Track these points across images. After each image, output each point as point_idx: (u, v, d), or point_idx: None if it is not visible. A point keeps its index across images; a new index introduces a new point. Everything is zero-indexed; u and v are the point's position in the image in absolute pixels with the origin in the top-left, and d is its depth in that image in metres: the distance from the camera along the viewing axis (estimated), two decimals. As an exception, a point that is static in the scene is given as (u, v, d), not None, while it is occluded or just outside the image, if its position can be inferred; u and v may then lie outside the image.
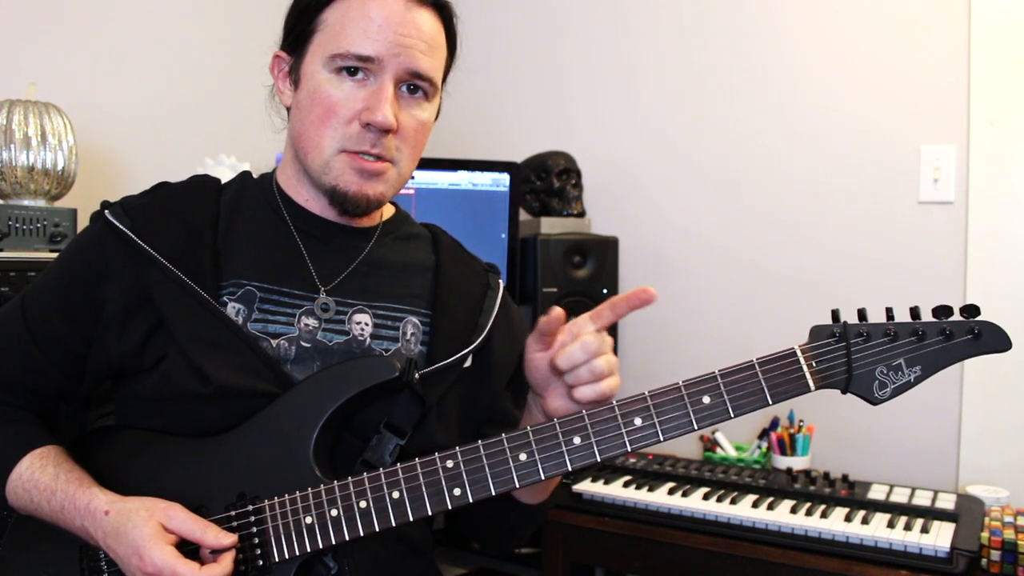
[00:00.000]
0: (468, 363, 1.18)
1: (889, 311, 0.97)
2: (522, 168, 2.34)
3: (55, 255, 1.26)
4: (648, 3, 2.44)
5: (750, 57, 2.28)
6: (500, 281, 1.28)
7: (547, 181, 2.34)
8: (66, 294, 1.12)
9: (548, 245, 2.17)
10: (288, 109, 1.18)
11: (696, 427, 0.97)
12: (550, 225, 2.24)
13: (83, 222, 1.57)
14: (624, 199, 2.46)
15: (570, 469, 0.98)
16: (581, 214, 2.35)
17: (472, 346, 1.17)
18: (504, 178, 2.21)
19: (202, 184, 1.20)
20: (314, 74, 1.10)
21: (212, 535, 0.99)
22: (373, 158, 1.10)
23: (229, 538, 0.99)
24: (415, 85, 1.11)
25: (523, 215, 2.33)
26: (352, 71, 1.08)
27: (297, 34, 1.12)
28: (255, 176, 1.25)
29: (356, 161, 1.09)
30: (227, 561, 0.98)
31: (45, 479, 1.06)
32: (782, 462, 2.01)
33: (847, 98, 2.15)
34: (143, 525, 0.97)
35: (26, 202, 1.70)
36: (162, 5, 2.22)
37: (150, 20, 2.19)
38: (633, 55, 2.47)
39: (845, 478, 1.85)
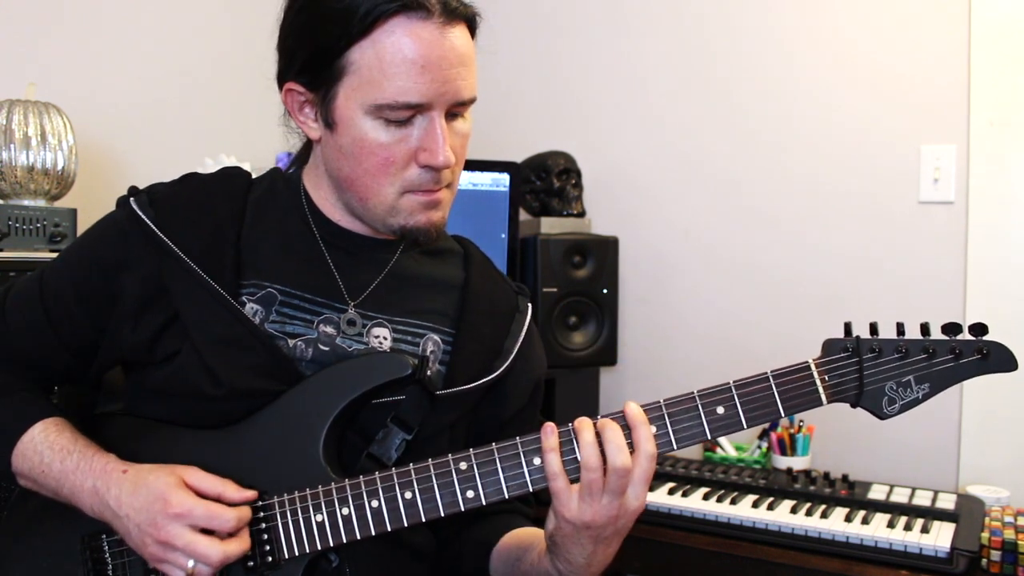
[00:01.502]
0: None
1: (900, 326, 0.98)
2: (522, 168, 2.34)
3: (55, 255, 1.25)
4: (648, 3, 2.43)
5: (750, 57, 2.28)
6: (528, 304, 1.27)
7: (547, 181, 2.34)
8: (84, 279, 1.12)
9: (548, 245, 2.17)
10: (315, 139, 1.13)
11: (709, 436, 0.98)
12: (550, 225, 2.24)
13: (83, 222, 1.57)
14: (624, 199, 2.46)
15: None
16: (581, 214, 2.35)
17: (496, 373, 1.16)
18: (504, 178, 2.20)
19: (232, 178, 1.18)
20: (356, 121, 1.04)
21: (232, 488, 1.00)
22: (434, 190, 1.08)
23: (250, 492, 1.00)
24: (460, 109, 1.08)
25: (523, 215, 2.32)
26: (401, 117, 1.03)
27: (318, 72, 1.05)
28: (280, 172, 1.24)
29: (422, 196, 1.07)
30: (248, 509, 1.00)
31: (62, 441, 1.06)
32: (782, 462, 2.01)
33: (847, 98, 2.15)
34: (167, 476, 0.98)
35: (26, 202, 1.69)
36: (162, 5, 2.21)
37: (150, 20, 2.18)
38: (633, 55, 2.47)
39: (845, 478, 1.85)
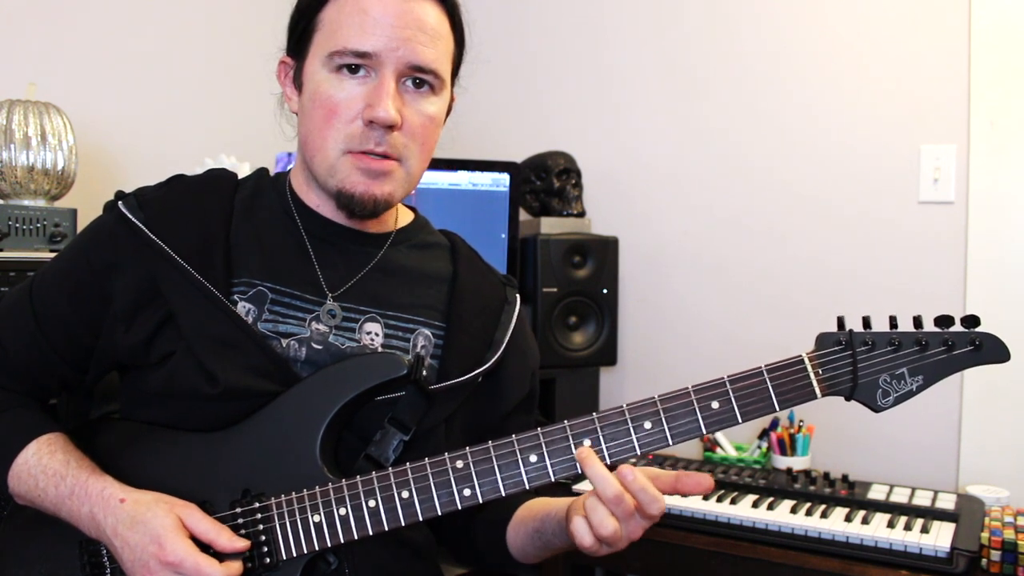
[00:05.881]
0: (479, 379, 1.17)
1: (893, 319, 0.98)
2: (522, 168, 2.34)
3: (55, 255, 1.25)
4: (649, 4, 2.44)
5: (750, 57, 2.28)
6: (516, 295, 1.27)
7: (547, 181, 2.34)
8: (76, 284, 1.12)
9: (548, 245, 2.17)
10: (297, 114, 1.16)
11: (705, 431, 0.98)
12: (550, 225, 2.24)
13: (83, 222, 1.57)
14: (624, 199, 2.46)
15: (580, 471, 0.98)
16: (581, 214, 2.35)
17: (487, 365, 1.16)
18: (504, 178, 2.21)
19: (218, 179, 1.18)
20: (314, 75, 1.08)
21: (226, 537, 0.99)
22: (379, 156, 1.08)
23: (242, 542, 0.99)
24: (420, 79, 1.08)
25: (523, 215, 2.32)
26: (353, 69, 1.06)
27: (298, 36, 1.11)
28: (271, 173, 1.24)
29: (361, 161, 1.07)
30: (238, 564, 0.98)
31: (55, 464, 1.05)
32: (782, 462, 2.01)
33: (847, 98, 2.15)
34: (164, 516, 0.97)
35: (26, 202, 1.69)
36: (162, 5, 2.22)
37: (150, 20, 2.19)
38: (634, 55, 2.47)
39: (845, 478, 1.85)
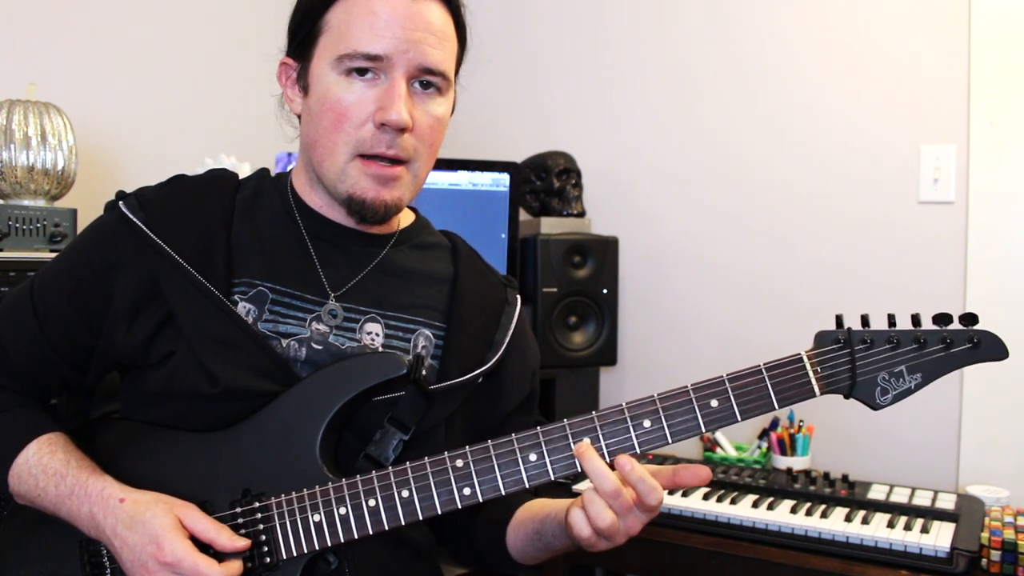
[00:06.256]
0: (480, 379, 1.17)
1: (891, 317, 0.98)
2: (522, 168, 2.34)
3: (55, 255, 1.25)
4: (648, 4, 2.44)
5: (750, 58, 2.28)
6: (517, 296, 1.27)
7: (547, 181, 2.34)
8: (76, 284, 1.11)
9: (548, 245, 2.17)
10: (299, 116, 1.15)
11: (704, 430, 0.98)
12: (550, 225, 2.24)
13: (83, 222, 1.57)
14: (624, 199, 2.46)
15: (579, 470, 0.98)
16: (581, 214, 2.35)
17: (488, 365, 1.16)
18: (504, 178, 2.21)
19: (219, 179, 1.18)
20: (323, 78, 1.07)
21: (226, 536, 0.99)
22: (388, 162, 1.08)
23: (242, 541, 0.99)
24: (428, 80, 1.08)
25: (523, 215, 2.32)
26: (362, 71, 1.05)
27: (302, 38, 1.10)
28: (272, 173, 1.24)
29: (371, 167, 1.07)
30: (238, 564, 0.98)
31: (55, 464, 1.05)
32: (782, 462, 2.01)
33: (847, 98, 2.15)
34: (163, 516, 0.97)
35: (26, 202, 1.70)
36: (162, 5, 2.22)
37: (151, 20, 2.19)
38: (634, 55, 2.47)
39: (845, 478, 1.85)
